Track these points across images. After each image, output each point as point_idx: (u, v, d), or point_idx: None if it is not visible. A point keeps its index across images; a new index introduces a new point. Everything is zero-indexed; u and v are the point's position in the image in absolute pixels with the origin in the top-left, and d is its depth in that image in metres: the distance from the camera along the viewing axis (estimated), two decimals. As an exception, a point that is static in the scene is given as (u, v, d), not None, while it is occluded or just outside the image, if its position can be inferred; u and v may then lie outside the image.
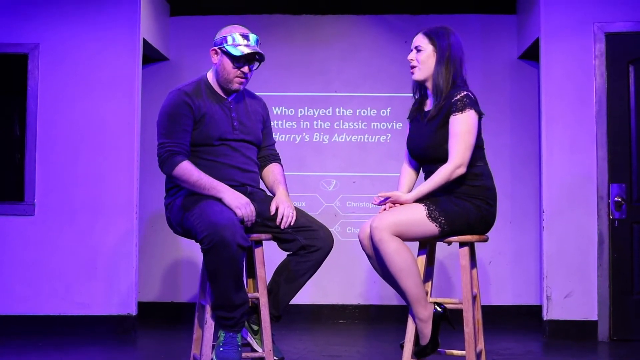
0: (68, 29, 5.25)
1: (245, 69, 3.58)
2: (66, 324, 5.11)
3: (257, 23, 5.78)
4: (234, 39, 3.54)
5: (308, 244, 3.57)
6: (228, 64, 3.57)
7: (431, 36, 3.48)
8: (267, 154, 3.82)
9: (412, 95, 3.63)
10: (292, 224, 3.52)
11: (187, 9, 6.01)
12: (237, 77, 3.57)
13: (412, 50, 3.53)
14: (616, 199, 5.01)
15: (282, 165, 3.84)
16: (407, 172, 3.66)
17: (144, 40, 5.35)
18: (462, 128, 3.32)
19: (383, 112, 6.06)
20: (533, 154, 5.91)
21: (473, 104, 3.36)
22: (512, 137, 5.96)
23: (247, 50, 3.52)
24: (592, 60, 5.11)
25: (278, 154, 3.88)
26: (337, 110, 6.09)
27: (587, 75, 5.12)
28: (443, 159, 3.38)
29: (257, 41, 3.59)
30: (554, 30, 5.17)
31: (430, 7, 6.01)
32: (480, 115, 3.40)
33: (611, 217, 5.02)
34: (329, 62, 6.09)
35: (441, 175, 3.33)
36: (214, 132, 3.54)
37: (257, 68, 3.65)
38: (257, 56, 3.58)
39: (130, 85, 5.23)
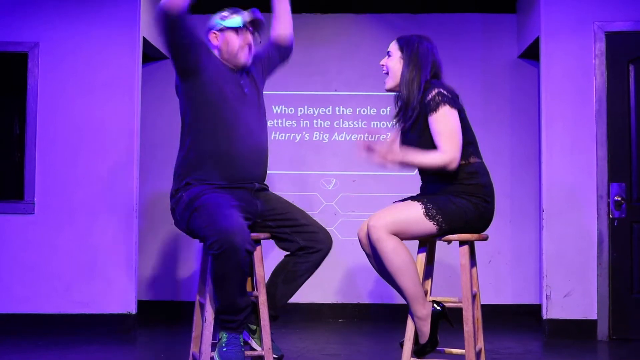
0: (68, 28, 5.25)
1: (249, 37, 3.62)
2: (66, 323, 5.11)
3: (257, 22, 5.78)
4: (229, 15, 3.63)
5: (307, 245, 3.57)
6: (232, 37, 3.61)
7: (401, 42, 3.48)
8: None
9: (394, 103, 3.55)
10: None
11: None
12: (242, 47, 3.60)
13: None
14: (616, 198, 5.01)
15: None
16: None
17: (144, 38, 5.35)
18: (441, 126, 3.30)
19: (383, 111, 6.06)
20: (533, 153, 5.91)
21: (447, 99, 3.31)
22: (512, 136, 5.96)
23: (248, 18, 3.61)
24: (592, 60, 5.11)
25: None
26: (337, 109, 6.10)
27: (587, 74, 5.12)
28: None
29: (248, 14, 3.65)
30: (554, 29, 5.17)
31: (431, 6, 6.01)
32: (458, 109, 3.35)
33: (611, 216, 5.02)
34: (329, 61, 6.10)
35: (431, 160, 3.27)
36: (219, 87, 3.52)
37: (259, 39, 3.70)
38: (257, 23, 3.64)
39: (130, 83, 5.23)
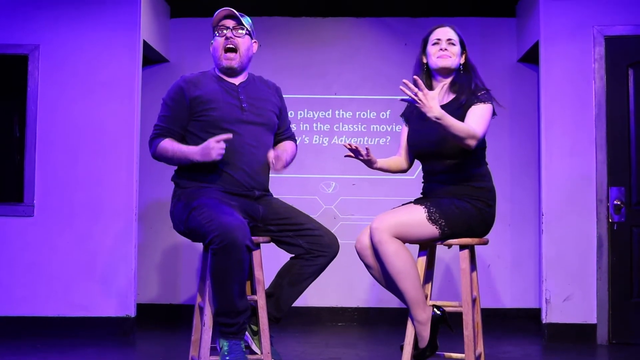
0: (68, 31, 5.25)
1: (227, 33, 3.58)
2: (65, 326, 5.11)
3: (257, 25, 5.70)
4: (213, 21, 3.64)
5: (312, 249, 3.55)
6: (216, 40, 3.61)
7: (460, 35, 3.58)
8: (282, 137, 3.83)
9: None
10: (282, 167, 3.56)
11: (188, 11, 6.02)
12: (223, 47, 3.58)
13: (438, 42, 3.54)
14: (615, 202, 5.01)
15: (296, 145, 3.88)
16: (397, 158, 3.71)
17: (144, 41, 5.35)
18: (483, 113, 3.38)
19: (383, 115, 6.07)
20: (532, 156, 5.92)
21: (493, 100, 3.45)
22: (512, 139, 5.97)
23: (220, 15, 3.60)
24: (592, 64, 5.12)
25: (294, 135, 3.91)
26: (336, 112, 6.10)
27: (587, 78, 5.12)
28: (450, 155, 3.40)
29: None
30: (553, 33, 5.17)
31: (430, 10, 6.01)
32: (493, 113, 3.46)
33: (610, 220, 5.02)
34: (329, 64, 6.10)
35: (463, 126, 3.26)
36: (219, 114, 3.53)
37: (254, 40, 3.69)
38: (231, 16, 3.60)
39: (130, 86, 5.24)
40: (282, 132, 3.81)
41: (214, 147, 3.36)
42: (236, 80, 3.67)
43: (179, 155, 3.48)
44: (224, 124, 3.52)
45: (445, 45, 3.52)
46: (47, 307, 5.13)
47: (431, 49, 3.54)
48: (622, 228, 5.01)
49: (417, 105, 3.22)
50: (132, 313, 5.14)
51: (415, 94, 3.20)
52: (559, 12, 5.17)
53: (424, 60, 3.60)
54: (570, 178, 5.10)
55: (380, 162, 3.60)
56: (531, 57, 5.73)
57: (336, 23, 6.13)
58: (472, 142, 3.29)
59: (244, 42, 3.63)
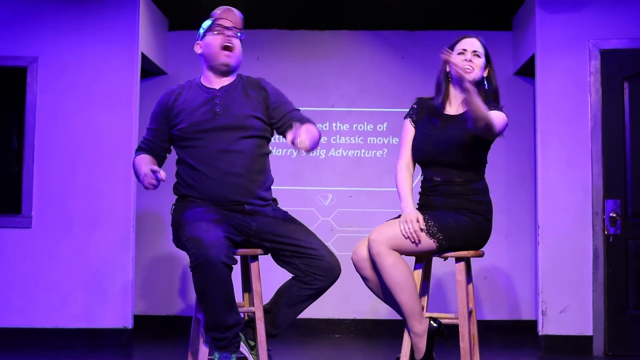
0: (67, 43, 5.28)
1: (227, 32, 3.51)
2: (62, 337, 5.11)
3: (255, 38, 5.81)
4: (205, 23, 3.60)
5: (309, 272, 3.43)
6: (210, 38, 3.52)
7: (486, 47, 3.59)
8: (289, 118, 3.51)
9: (432, 96, 3.61)
10: (305, 148, 3.15)
11: (186, 24, 6.04)
12: (222, 44, 3.49)
13: (463, 52, 3.53)
14: (611, 214, 5.03)
15: (314, 125, 3.45)
16: (409, 180, 3.56)
17: (143, 54, 5.37)
18: (500, 115, 3.38)
19: (380, 127, 6.09)
20: (528, 169, 5.94)
21: (506, 117, 3.44)
22: (508, 152, 5.99)
23: (217, 14, 3.55)
24: (587, 77, 5.15)
25: (306, 117, 3.54)
26: (334, 124, 6.12)
27: (582, 91, 5.15)
28: (453, 165, 3.42)
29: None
30: (549, 46, 5.21)
31: (427, 23, 6.04)
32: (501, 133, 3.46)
33: (606, 232, 5.04)
34: (326, 77, 6.13)
35: (489, 114, 3.24)
36: (185, 124, 3.47)
37: (240, 36, 3.57)
38: (231, 17, 3.55)
39: (128, 99, 5.26)
40: (285, 118, 3.53)
41: (147, 174, 3.30)
42: (222, 82, 3.57)
43: (136, 171, 3.52)
44: (190, 134, 3.47)
45: (470, 57, 3.50)
46: (44, 319, 5.13)
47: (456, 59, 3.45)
48: (617, 240, 5.03)
49: (465, 70, 3.33)
50: (129, 324, 5.14)
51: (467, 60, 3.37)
52: (555, 26, 5.20)
53: (447, 69, 3.54)
54: (566, 190, 5.12)
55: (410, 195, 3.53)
56: (527, 70, 5.76)
57: (334, 36, 6.16)
58: (494, 130, 3.29)
59: (239, 44, 3.58)
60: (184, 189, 3.52)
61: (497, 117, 3.35)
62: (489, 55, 3.58)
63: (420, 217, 3.33)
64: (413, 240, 3.30)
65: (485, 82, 3.55)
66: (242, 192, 3.45)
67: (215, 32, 3.52)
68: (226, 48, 3.51)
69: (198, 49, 3.59)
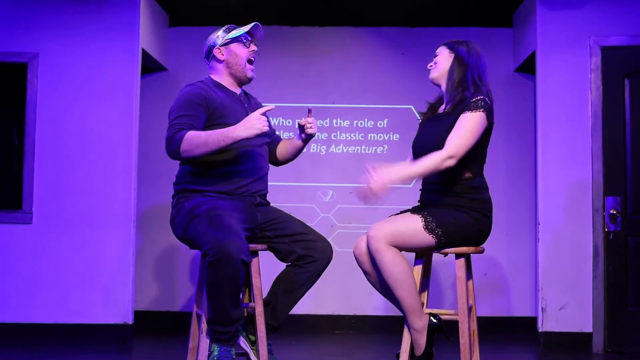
0: (68, 39, 5.28)
1: (254, 46, 3.71)
2: (62, 333, 5.12)
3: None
4: (230, 29, 3.70)
5: (305, 254, 3.60)
6: (238, 48, 3.67)
7: (449, 44, 3.58)
8: (276, 142, 3.98)
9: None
10: (312, 133, 3.76)
11: (186, 20, 6.04)
12: (249, 59, 3.69)
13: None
14: (611, 211, 5.03)
15: None
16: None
17: (143, 50, 5.37)
18: (467, 124, 3.34)
19: (380, 124, 6.09)
20: (529, 166, 5.94)
21: (487, 108, 3.39)
22: (508, 149, 5.99)
23: (250, 25, 3.69)
24: (588, 74, 5.15)
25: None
26: (334, 121, 6.12)
27: (583, 88, 5.15)
28: None
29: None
30: (550, 43, 5.21)
31: (427, 20, 6.04)
32: (490, 123, 3.42)
33: (606, 229, 5.04)
34: (327, 73, 6.13)
35: (431, 160, 3.28)
36: (234, 122, 3.49)
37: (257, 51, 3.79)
38: (258, 34, 3.73)
39: (129, 95, 5.26)
40: (273, 138, 3.97)
41: (259, 118, 3.38)
42: (238, 89, 3.76)
43: (215, 137, 3.36)
44: None
45: (431, 64, 3.61)
46: (44, 314, 5.14)
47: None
48: (617, 237, 5.04)
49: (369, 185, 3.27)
50: (129, 320, 5.15)
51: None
52: (556, 23, 5.20)
53: None
54: (567, 187, 5.12)
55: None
56: (528, 67, 5.76)
57: (334, 33, 6.16)
58: (450, 162, 3.29)
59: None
60: (198, 182, 3.54)
61: (460, 136, 3.31)
62: (452, 44, 3.56)
63: (386, 188, 3.26)
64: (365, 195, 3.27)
65: (456, 68, 3.51)
66: (261, 188, 3.68)
67: (245, 45, 3.68)
68: (250, 62, 3.71)
69: (220, 55, 3.68)
